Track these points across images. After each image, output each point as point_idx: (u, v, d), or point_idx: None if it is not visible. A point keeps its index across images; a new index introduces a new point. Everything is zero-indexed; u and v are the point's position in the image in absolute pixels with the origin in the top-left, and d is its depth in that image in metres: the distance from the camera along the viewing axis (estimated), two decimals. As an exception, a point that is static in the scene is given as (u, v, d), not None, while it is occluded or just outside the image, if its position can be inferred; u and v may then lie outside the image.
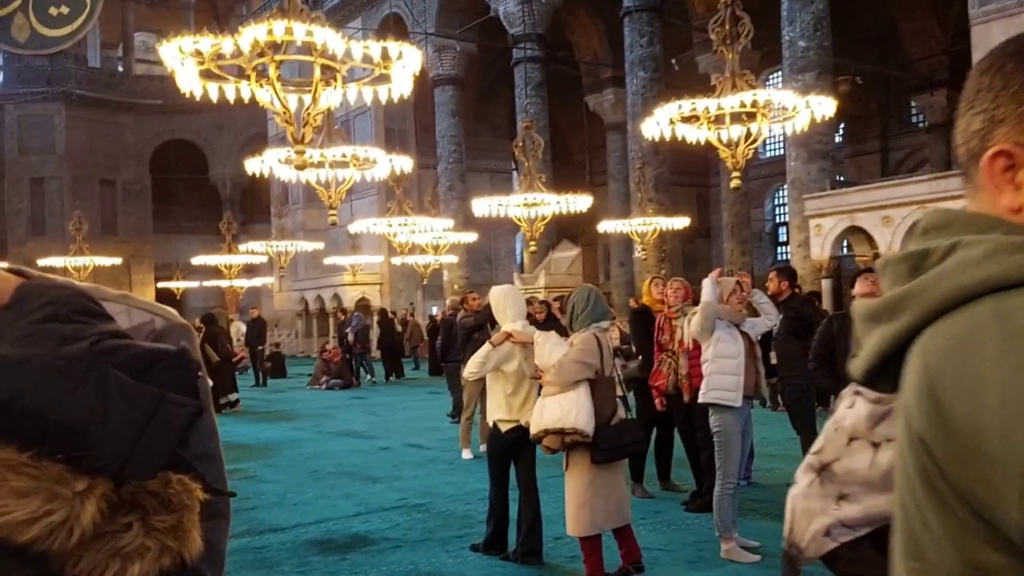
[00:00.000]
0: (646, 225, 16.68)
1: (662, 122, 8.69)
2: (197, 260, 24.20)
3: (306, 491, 6.96)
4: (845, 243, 15.51)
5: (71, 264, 23.55)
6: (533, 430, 4.24)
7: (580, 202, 13.44)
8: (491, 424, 4.73)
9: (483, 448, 8.66)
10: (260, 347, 18.71)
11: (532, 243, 13.49)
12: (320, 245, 24.45)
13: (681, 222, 17.10)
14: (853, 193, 14.34)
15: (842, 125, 26.24)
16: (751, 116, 8.90)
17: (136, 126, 37.07)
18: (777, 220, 34.68)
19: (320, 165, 10.34)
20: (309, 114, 6.35)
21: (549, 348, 4.33)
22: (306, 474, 7.77)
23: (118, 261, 25.73)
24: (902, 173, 22.55)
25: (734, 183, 8.56)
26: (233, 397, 13.00)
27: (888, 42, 26.22)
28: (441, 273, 25.75)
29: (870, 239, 14.27)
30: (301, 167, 6.45)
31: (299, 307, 32.17)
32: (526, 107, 22.68)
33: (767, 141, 31.50)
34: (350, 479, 7.46)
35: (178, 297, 29.58)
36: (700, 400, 4.81)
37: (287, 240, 24.33)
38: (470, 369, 4.71)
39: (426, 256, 20.59)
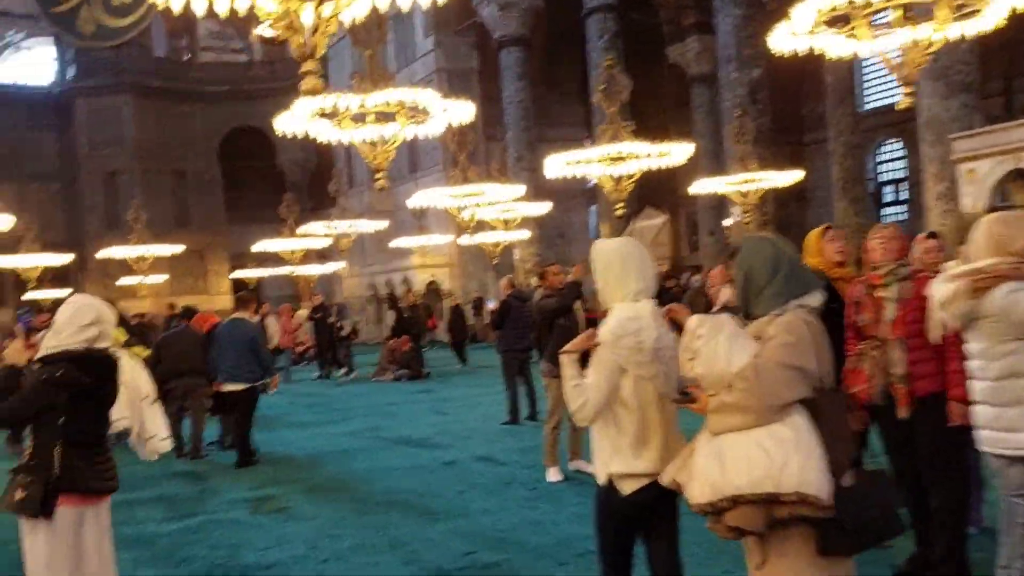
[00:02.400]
0: (750, 182, 14.34)
1: (801, 30, 6.50)
2: (257, 247, 22.99)
3: (343, 536, 5.19)
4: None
5: (130, 255, 22.64)
6: (706, 496, 2.34)
7: (677, 152, 11.26)
8: (602, 480, 2.80)
9: (574, 466, 6.78)
10: (342, 332, 17.13)
11: (619, 206, 11.44)
12: (383, 225, 22.88)
13: (793, 176, 14.64)
14: (1016, 128, 11.73)
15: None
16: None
17: (203, 115, 36.42)
18: (880, 179, 31.54)
19: (362, 119, 8.56)
20: (320, 17, 4.50)
21: (726, 344, 2.39)
22: (350, 506, 6.02)
23: (179, 249, 24.73)
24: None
25: (905, 100, 6.33)
26: None
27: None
28: (512, 252, 23.89)
29: (1034, 184, 11.70)
30: (312, 92, 4.64)
31: (368, 293, 30.90)
32: (599, 62, 20.46)
33: (873, 86, 28.35)
34: (402, 514, 5.67)
35: (251, 287, 28.69)
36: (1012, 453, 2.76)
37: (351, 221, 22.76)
38: (578, 415, 2.79)
39: (495, 233, 18.79)
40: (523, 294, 9.56)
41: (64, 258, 21.54)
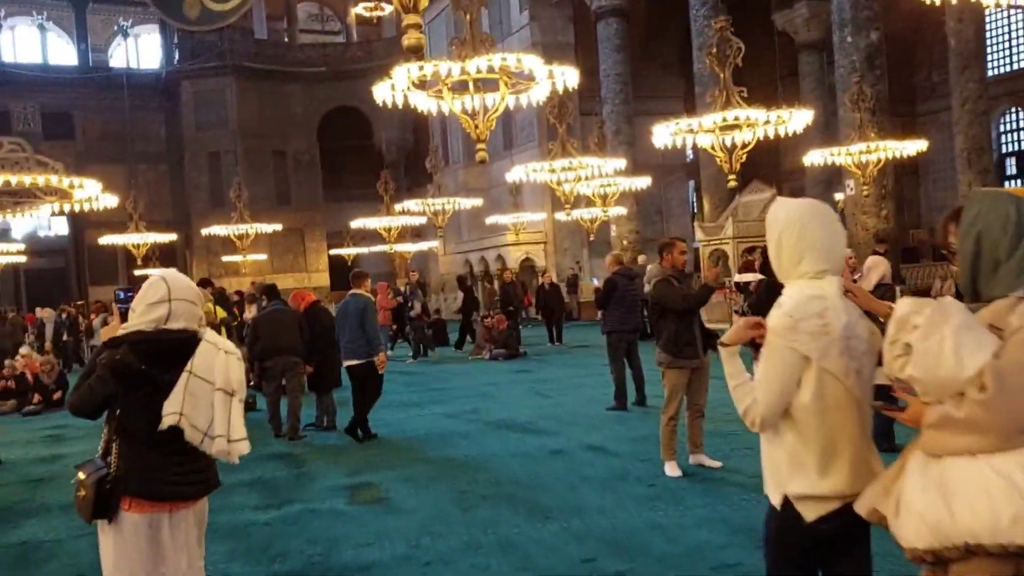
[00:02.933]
0: (870, 152, 13.24)
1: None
2: (356, 223, 23.11)
3: (447, 535, 4.81)
4: None
5: (233, 233, 23.13)
6: (924, 540, 1.82)
7: (796, 119, 10.39)
8: (776, 500, 2.25)
9: (695, 460, 6.18)
10: (411, 312, 16.85)
11: (731, 177, 10.67)
12: (479, 201, 22.59)
13: (916, 144, 13.46)
14: None
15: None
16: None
17: (303, 95, 37.01)
18: (1005, 149, 29.19)
19: (463, 88, 8.13)
20: (423, -35, 4.05)
21: (954, 339, 1.83)
22: (452, 497, 5.65)
23: (278, 227, 25.07)
24: None
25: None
26: None
27: None
28: (608, 228, 23.22)
29: None
30: (414, 48, 4.21)
31: (464, 270, 30.81)
32: (703, 29, 19.45)
33: (995, 52, 26.17)
34: (511, 509, 5.25)
35: (350, 264, 29.03)
36: None
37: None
38: (747, 419, 2.25)
39: (592, 209, 18.22)
40: (631, 271, 9.01)
41: (169, 236, 22.13)
